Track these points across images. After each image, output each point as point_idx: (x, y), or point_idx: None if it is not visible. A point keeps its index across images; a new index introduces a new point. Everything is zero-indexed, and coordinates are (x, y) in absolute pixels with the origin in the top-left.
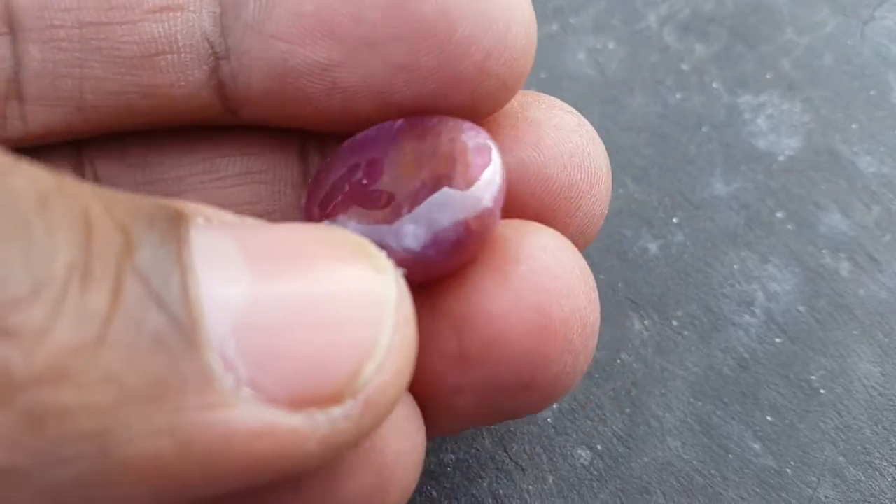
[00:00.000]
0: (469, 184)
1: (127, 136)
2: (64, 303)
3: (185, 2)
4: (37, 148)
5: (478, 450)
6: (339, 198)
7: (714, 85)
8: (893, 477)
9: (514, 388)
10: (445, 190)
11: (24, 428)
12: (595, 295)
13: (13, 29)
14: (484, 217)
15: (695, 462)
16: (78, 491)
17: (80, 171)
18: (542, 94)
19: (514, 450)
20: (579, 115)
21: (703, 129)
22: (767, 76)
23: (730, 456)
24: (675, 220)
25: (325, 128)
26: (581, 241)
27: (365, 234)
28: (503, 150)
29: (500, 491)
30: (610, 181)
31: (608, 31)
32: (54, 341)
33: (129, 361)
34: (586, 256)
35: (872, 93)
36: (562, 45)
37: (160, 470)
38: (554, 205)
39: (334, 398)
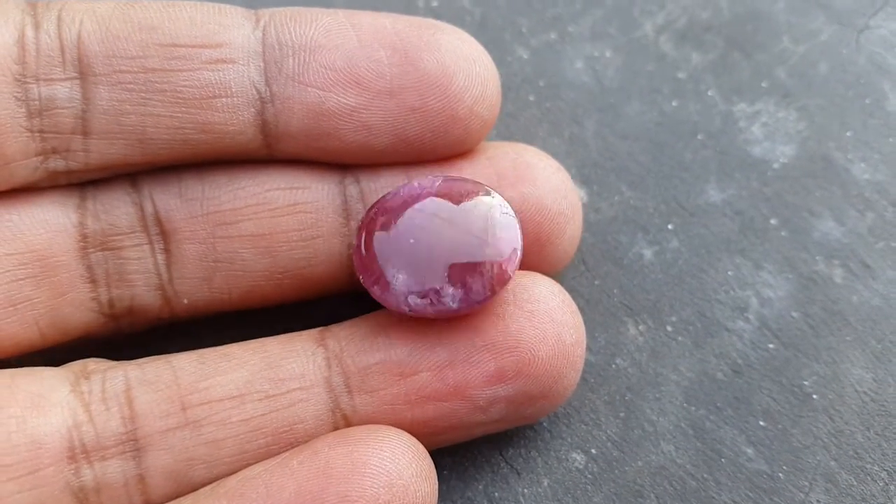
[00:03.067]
0: (499, 256)
1: (184, 174)
2: None
3: (237, 56)
4: (100, 189)
5: (473, 453)
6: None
7: (710, 93)
8: (885, 482)
9: (536, 397)
10: (480, 263)
11: None
12: (583, 326)
13: (83, 74)
14: (505, 282)
15: (688, 466)
16: None
17: (139, 206)
18: (526, 146)
19: (509, 453)
20: (554, 160)
21: (699, 136)
22: (763, 84)
23: (723, 460)
24: (670, 226)
25: (349, 159)
26: (564, 259)
27: (414, 288)
28: (508, 187)
29: (496, 494)
30: (582, 214)
31: (605, 39)
32: None
33: None
34: (582, 262)
35: (867, 101)
36: (560, 54)
37: None
38: (548, 229)
39: None
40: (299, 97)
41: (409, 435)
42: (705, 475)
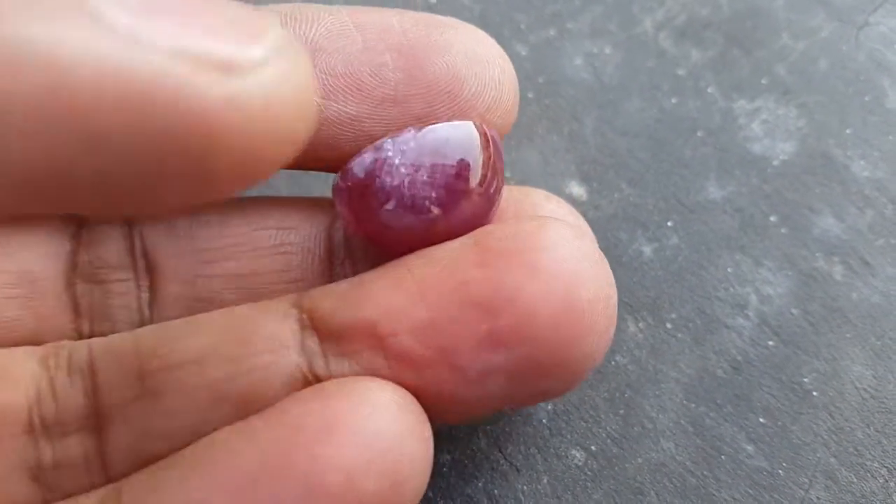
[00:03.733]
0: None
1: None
2: None
3: None
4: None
5: (473, 450)
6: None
7: (709, 90)
8: (885, 479)
9: (544, 367)
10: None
11: None
12: (612, 279)
13: None
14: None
15: (688, 463)
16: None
17: (130, 240)
18: (541, 193)
19: (508, 450)
20: (566, 204)
21: (699, 133)
22: (763, 81)
23: (723, 457)
24: (669, 223)
25: None
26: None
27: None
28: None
29: (496, 491)
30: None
31: (605, 36)
32: None
33: None
34: None
35: (867, 98)
36: (559, 50)
37: (52, 102)
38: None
39: (229, 66)
40: None
41: (395, 386)
42: (705, 472)
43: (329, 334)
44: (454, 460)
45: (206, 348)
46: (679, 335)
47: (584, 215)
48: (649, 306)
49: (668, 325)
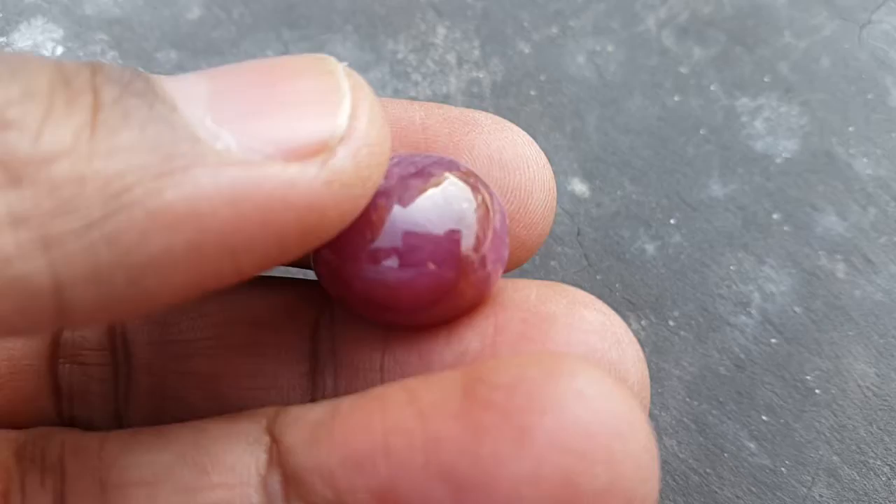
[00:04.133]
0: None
1: None
2: (53, 100)
3: None
4: None
5: None
6: None
7: (712, 88)
8: (887, 476)
9: None
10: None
11: (44, 199)
12: (655, 463)
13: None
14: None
15: (690, 461)
16: (118, 247)
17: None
18: (570, 288)
19: None
20: (611, 313)
21: (701, 131)
22: (765, 79)
23: (725, 455)
24: (672, 221)
25: None
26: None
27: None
28: (506, 345)
29: None
30: (647, 396)
31: (607, 34)
32: (55, 124)
33: (126, 137)
34: (584, 257)
35: (869, 96)
36: (562, 48)
37: (178, 219)
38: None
39: (321, 148)
40: None
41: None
42: (708, 470)
43: (292, 474)
44: None
45: (163, 471)
46: (682, 333)
47: (587, 213)
48: (652, 304)
49: (671, 323)
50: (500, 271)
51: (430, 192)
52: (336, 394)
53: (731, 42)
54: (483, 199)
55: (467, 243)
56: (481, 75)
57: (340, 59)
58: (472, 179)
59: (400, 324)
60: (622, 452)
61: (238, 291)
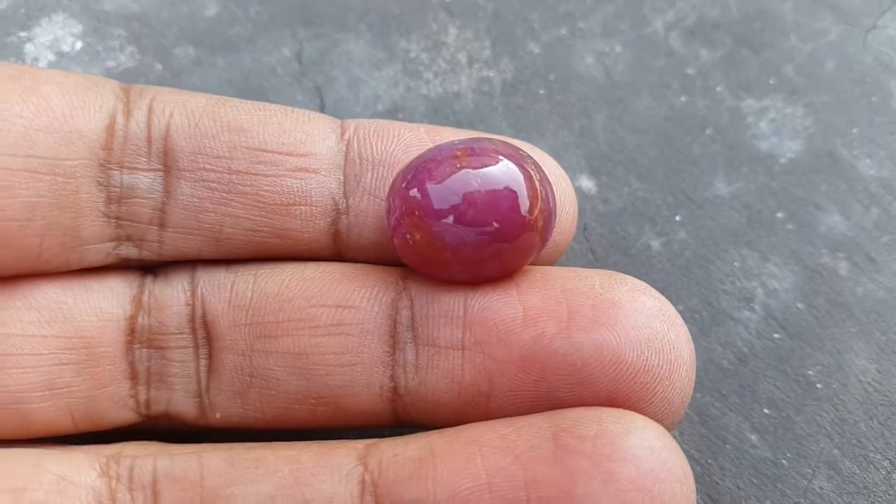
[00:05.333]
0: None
1: (239, 278)
2: None
3: (320, 167)
4: (157, 282)
5: None
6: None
7: (718, 89)
8: (887, 470)
9: None
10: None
11: None
12: (693, 490)
13: (167, 167)
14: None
15: (693, 452)
16: None
17: (191, 307)
18: (626, 276)
19: None
20: (663, 300)
21: (707, 131)
22: (771, 81)
23: (727, 447)
24: (677, 218)
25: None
26: None
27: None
28: (580, 330)
29: None
30: (693, 370)
31: (616, 35)
32: None
33: None
34: (591, 251)
35: (873, 99)
36: (571, 49)
37: None
38: (628, 389)
39: None
40: (374, 210)
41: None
42: (710, 461)
43: None
44: None
45: (266, 501)
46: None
47: (594, 209)
48: None
49: None
50: (550, 235)
51: (494, 165)
52: (417, 370)
53: (738, 45)
54: (534, 177)
55: (524, 207)
56: (491, 74)
57: (353, 56)
58: (526, 161)
59: (465, 279)
60: (680, 493)
61: (319, 277)
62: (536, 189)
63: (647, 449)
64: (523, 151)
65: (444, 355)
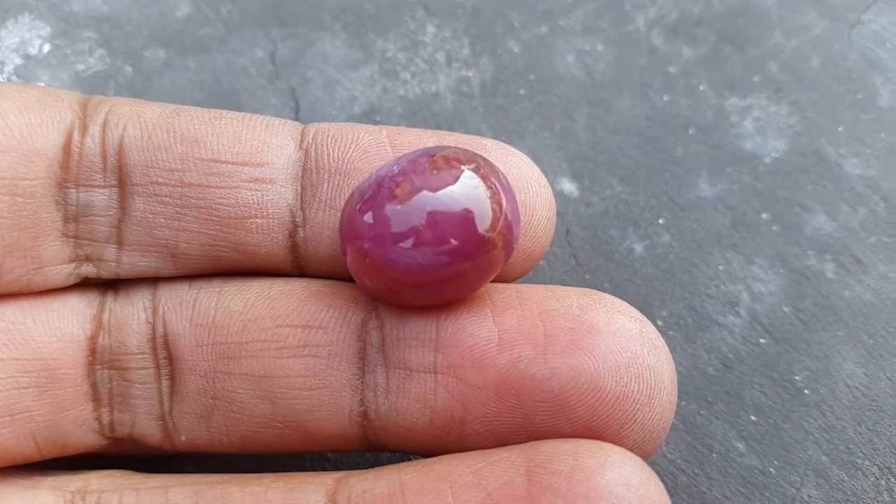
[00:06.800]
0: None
1: (202, 296)
2: None
3: (277, 177)
4: (118, 300)
5: None
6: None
7: (701, 87)
8: (876, 477)
9: None
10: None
11: None
12: None
13: (121, 182)
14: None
15: (679, 461)
16: None
17: (152, 325)
18: (605, 295)
19: None
20: (644, 320)
21: (690, 131)
22: (755, 79)
23: (714, 455)
24: (661, 220)
25: None
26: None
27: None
28: (556, 356)
29: None
30: (675, 394)
31: (597, 33)
32: None
33: None
34: (573, 256)
35: (859, 96)
36: (551, 48)
37: None
38: (607, 416)
39: None
40: (330, 223)
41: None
42: (696, 470)
43: None
44: None
45: None
46: (670, 333)
47: (576, 212)
48: (640, 304)
49: (660, 323)
50: (513, 248)
51: (451, 179)
52: (388, 394)
53: (721, 42)
54: (495, 189)
55: (483, 224)
56: (471, 74)
57: (329, 57)
58: (484, 171)
59: (423, 301)
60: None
61: (286, 295)
62: (496, 202)
63: (623, 486)
64: (481, 159)
65: (415, 379)
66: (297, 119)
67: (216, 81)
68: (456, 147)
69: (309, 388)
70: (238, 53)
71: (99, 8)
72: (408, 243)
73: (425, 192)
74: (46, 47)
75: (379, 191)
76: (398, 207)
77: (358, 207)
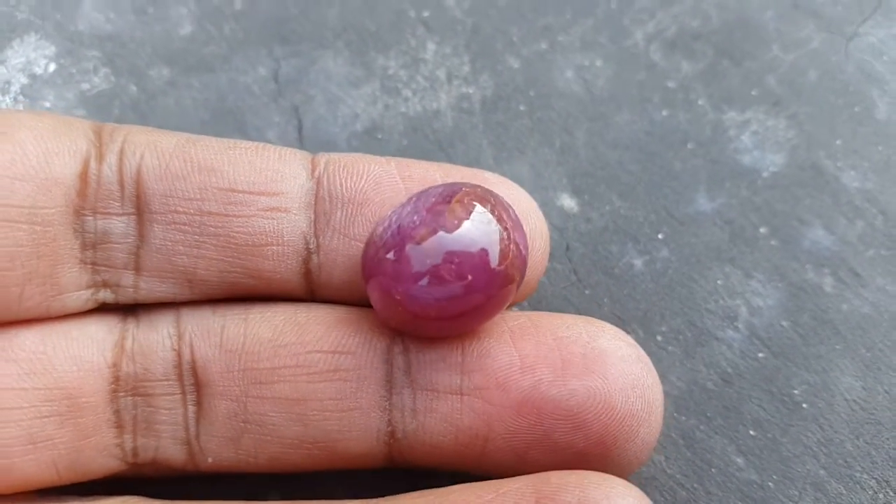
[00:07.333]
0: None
1: (228, 323)
2: None
3: (291, 206)
4: (141, 328)
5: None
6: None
7: (700, 102)
8: (874, 490)
9: None
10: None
11: None
12: None
13: (140, 210)
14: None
15: (678, 476)
16: None
17: (178, 352)
18: (605, 324)
19: None
20: (637, 346)
21: (689, 145)
22: (753, 93)
23: (713, 470)
24: (660, 235)
25: None
26: (635, 464)
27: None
28: (572, 378)
29: None
30: (662, 411)
31: (596, 48)
32: None
33: None
34: (573, 272)
35: (856, 109)
36: (550, 63)
37: None
38: (615, 431)
39: None
40: (343, 250)
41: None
42: (696, 485)
43: None
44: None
45: None
46: (669, 348)
47: (576, 228)
48: (640, 319)
49: (659, 338)
50: (522, 282)
51: (467, 219)
52: (415, 414)
53: (719, 56)
54: (507, 226)
55: (497, 260)
56: (471, 91)
57: (331, 75)
58: (498, 211)
59: (444, 333)
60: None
61: (313, 322)
62: (508, 240)
63: None
64: (492, 196)
65: (442, 400)
66: (300, 136)
67: (220, 100)
68: (472, 186)
69: (340, 409)
70: (241, 72)
71: (103, 27)
72: (428, 281)
73: (444, 233)
74: (52, 66)
75: (400, 231)
76: (419, 247)
77: (380, 246)
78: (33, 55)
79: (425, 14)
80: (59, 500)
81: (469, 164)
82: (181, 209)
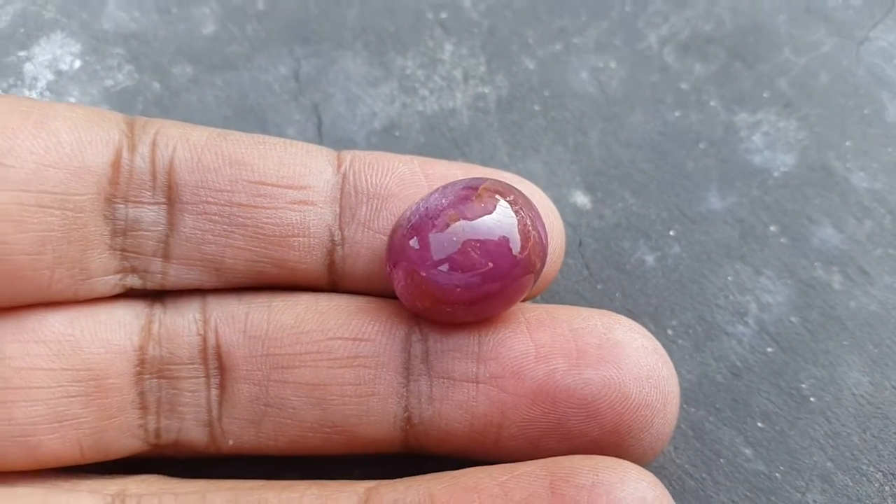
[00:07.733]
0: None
1: (252, 309)
2: None
3: (318, 199)
4: (168, 312)
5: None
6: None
7: (712, 103)
8: (880, 483)
9: None
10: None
11: None
12: None
13: (171, 201)
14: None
15: (687, 466)
16: None
17: (203, 337)
18: (621, 317)
19: None
20: (654, 339)
21: (701, 145)
22: (764, 95)
23: (721, 460)
24: (671, 232)
25: None
26: (650, 454)
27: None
28: (587, 368)
29: None
30: (678, 404)
31: (610, 50)
32: None
33: None
34: (586, 267)
35: (866, 111)
36: (565, 65)
37: None
38: (630, 421)
39: None
40: (367, 242)
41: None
42: (704, 475)
43: None
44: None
45: None
46: (680, 341)
47: (589, 225)
48: (651, 313)
49: (669, 332)
50: (541, 272)
51: (491, 210)
52: (431, 401)
53: (731, 58)
54: (528, 218)
55: (516, 249)
56: (487, 90)
57: (350, 74)
58: (520, 203)
59: (464, 318)
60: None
61: (334, 310)
62: (529, 230)
63: (640, 500)
64: (515, 191)
65: (458, 387)
66: (319, 133)
67: (242, 97)
68: (495, 179)
69: (359, 395)
70: (263, 70)
71: (127, 25)
72: (451, 266)
73: (468, 221)
74: (77, 63)
75: (426, 219)
76: (443, 234)
77: (406, 233)
78: (59, 52)
79: (443, 16)
80: (80, 479)
81: (484, 162)
82: (212, 200)
